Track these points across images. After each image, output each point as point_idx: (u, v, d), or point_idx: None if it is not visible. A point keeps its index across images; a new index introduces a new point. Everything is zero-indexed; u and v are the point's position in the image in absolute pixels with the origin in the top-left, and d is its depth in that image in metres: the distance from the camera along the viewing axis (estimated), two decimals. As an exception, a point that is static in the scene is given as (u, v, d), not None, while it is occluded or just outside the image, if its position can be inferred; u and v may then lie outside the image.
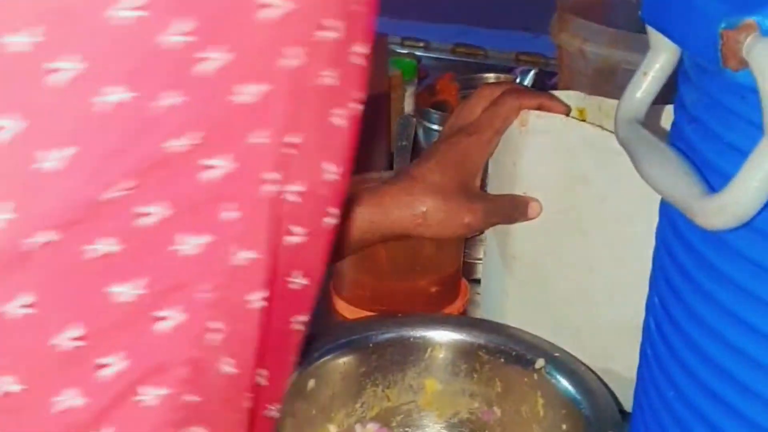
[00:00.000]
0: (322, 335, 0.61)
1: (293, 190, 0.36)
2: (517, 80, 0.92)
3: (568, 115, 0.71)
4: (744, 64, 0.35)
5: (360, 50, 0.36)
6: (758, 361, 0.38)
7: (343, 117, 0.37)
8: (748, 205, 0.35)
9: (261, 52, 0.32)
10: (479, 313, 0.75)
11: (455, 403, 0.64)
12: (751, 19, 0.35)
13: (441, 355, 0.64)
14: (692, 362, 0.42)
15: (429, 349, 0.64)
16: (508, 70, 1.12)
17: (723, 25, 0.35)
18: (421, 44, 1.35)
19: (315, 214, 0.39)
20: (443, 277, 0.80)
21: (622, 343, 0.59)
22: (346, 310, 0.79)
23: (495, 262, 0.72)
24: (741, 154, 0.36)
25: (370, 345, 0.62)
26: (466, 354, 0.63)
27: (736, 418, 0.40)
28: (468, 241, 0.84)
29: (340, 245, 0.64)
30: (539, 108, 0.67)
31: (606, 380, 0.63)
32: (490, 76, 0.98)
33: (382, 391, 0.63)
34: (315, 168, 0.37)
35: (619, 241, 0.65)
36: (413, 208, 0.63)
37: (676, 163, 0.40)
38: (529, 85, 0.90)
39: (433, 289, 0.79)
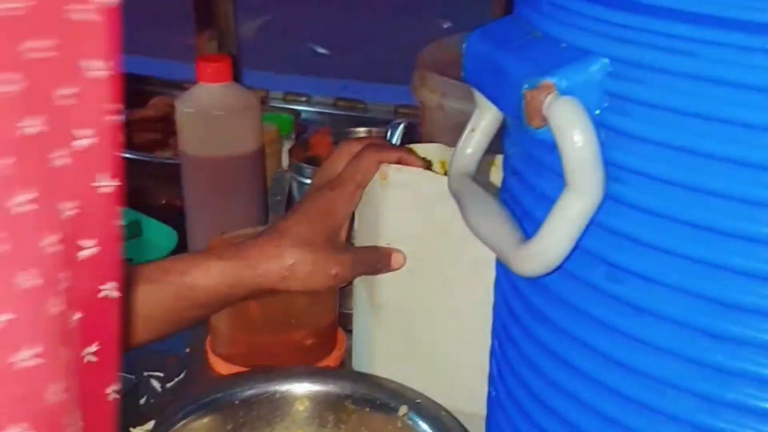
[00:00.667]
0: (184, 395, 0.61)
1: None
2: (388, 133, 0.95)
3: (429, 168, 0.74)
4: (546, 121, 0.38)
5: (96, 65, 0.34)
6: (582, 401, 0.41)
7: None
8: (555, 252, 0.38)
9: None
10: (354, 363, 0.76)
11: (324, 455, 0.64)
12: (549, 80, 0.38)
13: (308, 407, 0.64)
14: (526, 403, 0.44)
15: (296, 403, 0.64)
16: (386, 122, 1.15)
17: (526, 86, 0.38)
18: (303, 98, 1.37)
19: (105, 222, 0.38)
20: (318, 330, 0.81)
21: (486, 387, 0.61)
22: (223, 367, 0.79)
23: (363, 312, 0.74)
24: (552, 203, 0.39)
25: (236, 402, 0.63)
26: (332, 405, 0.64)
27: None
28: (343, 291, 0.85)
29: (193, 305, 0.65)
30: (399, 162, 0.70)
31: (472, 424, 0.65)
32: (362, 131, 1.00)
33: (251, 447, 0.64)
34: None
35: (478, 287, 0.67)
36: (281, 261, 0.64)
37: (497, 214, 0.43)
38: (399, 139, 0.93)
39: (309, 342, 0.80)
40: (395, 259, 0.69)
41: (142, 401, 0.74)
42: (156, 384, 0.79)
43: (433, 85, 0.84)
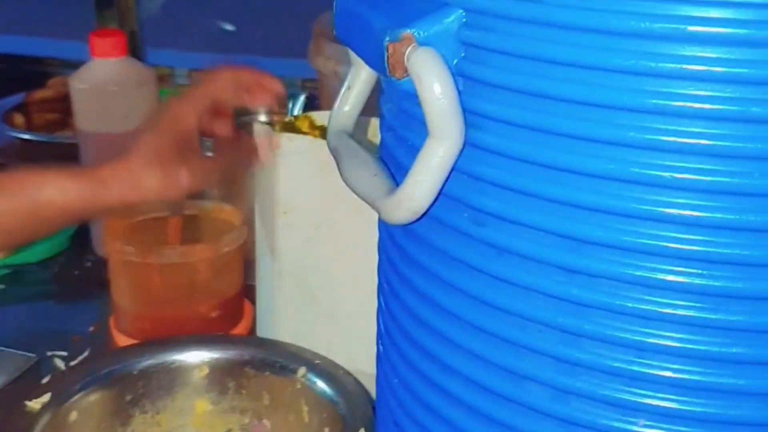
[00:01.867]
0: (82, 368, 0.61)
1: None
2: (290, 105, 0.96)
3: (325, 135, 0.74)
4: (407, 72, 0.39)
5: None
6: (455, 342, 0.42)
7: None
8: (420, 198, 0.39)
9: None
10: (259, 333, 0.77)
11: (227, 421, 0.65)
12: (408, 32, 0.39)
13: (208, 375, 0.65)
14: (406, 350, 0.46)
15: (196, 371, 0.65)
16: (292, 95, 1.15)
17: (387, 39, 0.39)
18: (209, 76, 1.36)
19: None
20: (223, 301, 0.81)
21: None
22: (126, 343, 0.79)
23: (265, 281, 0.75)
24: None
25: (134, 372, 0.63)
26: (232, 371, 0.64)
27: (443, 396, 0.43)
28: (249, 262, 0.85)
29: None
30: (255, 84, 0.69)
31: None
32: (262, 102, 1.01)
33: (152, 417, 0.64)
34: None
35: (374, 250, 0.69)
36: (132, 179, 0.64)
37: (370, 167, 0.44)
38: (300, 109, 0.94)
39: (214, 314, 0.80)
40: (263, 153, 0.69)
41: (45, 380, 0.74)
42: (60, 363, 0.79)
43: (328, 53, 0.85)
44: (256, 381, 0.64)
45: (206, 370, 0.65)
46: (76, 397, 0.60)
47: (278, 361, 0.64)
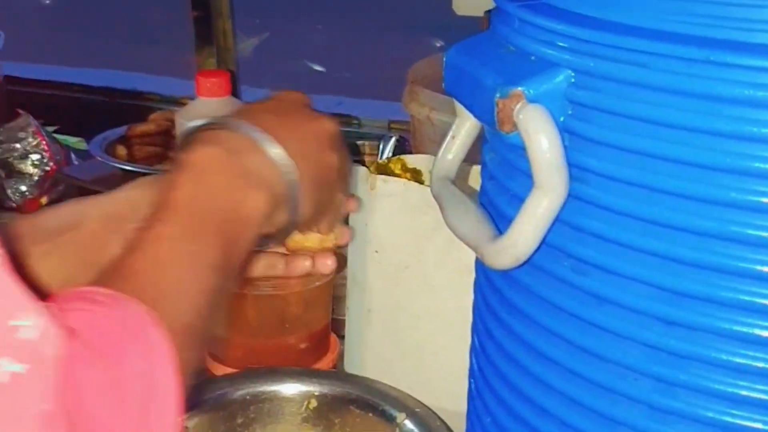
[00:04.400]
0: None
1: None
2: (380, 146, 0.99)
3: (419, 178, 0.77)
4: (516, 126, 0.41)
5: None
6: (551, 386, 0.44)
7: None
8: (524, 246, 0.41)
9: None
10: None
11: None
12: (519, 90, 0.41)
13: (316, 408, 0.68)
14: (501, 391, 0.48)
15: (305, 402, 0.68)
16: (380, 137, 1.19)
17: (498, 95, 0.42)
18: (300, 115, 1.41)
19: None
20: (312, 334, 0.84)
21: (470, 385, 0.64)
22: (219, 370, 0.82)
23: (355, 317, 0.77)
24: (523, 203, 0.42)
25: (242, 398, 0.66)
26: (338, 408, 0.67)
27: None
28: (337, 297, 0.88)
29: None
30: None
31: (456, 422, 0.68)
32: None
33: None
34: None
35: (462, 290, 0.71)
36: None
37: (473, 213, 0.47)
38: (390, 151, 0.97)
39: (303, 346, 0.83)
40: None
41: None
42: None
43: (422, 100, 0.88)
44: (360, 420, 0.66)
45: (315, 403, 0.68)
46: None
47: (381, 404, 0.66)
